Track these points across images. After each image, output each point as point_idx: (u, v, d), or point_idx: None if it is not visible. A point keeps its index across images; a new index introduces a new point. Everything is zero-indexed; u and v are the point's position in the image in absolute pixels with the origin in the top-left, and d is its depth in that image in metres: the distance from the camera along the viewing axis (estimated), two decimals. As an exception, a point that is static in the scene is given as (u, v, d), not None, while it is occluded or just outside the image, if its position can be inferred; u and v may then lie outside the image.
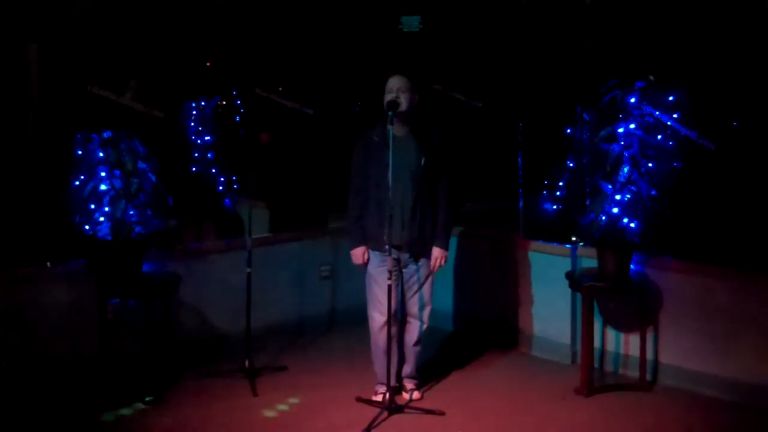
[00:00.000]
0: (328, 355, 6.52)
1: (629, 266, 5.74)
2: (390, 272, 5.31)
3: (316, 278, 7.11)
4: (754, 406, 5.51)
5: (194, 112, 7.52)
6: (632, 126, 5.51)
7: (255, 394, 5.73)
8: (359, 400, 5.59)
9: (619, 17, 6.53)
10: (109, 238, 5.52)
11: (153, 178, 5.66)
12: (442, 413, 5.42)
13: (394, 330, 5.49)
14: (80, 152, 5.57)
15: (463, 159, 6.82)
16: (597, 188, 5.60)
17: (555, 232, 6.33)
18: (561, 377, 6.05)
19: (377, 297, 5.56)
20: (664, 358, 5.95)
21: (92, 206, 5.52)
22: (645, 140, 5.50)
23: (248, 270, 6.00)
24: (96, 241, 5.55)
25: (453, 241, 5.76)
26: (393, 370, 5.44)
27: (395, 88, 5.43)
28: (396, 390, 5.60)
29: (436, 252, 5.55)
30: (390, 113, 5.31)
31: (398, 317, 5.64)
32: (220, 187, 7.66)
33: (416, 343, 5.69)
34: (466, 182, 7.05)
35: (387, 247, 5.35)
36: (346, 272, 6.99)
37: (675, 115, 5.48)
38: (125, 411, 5.46)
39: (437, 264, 5.57)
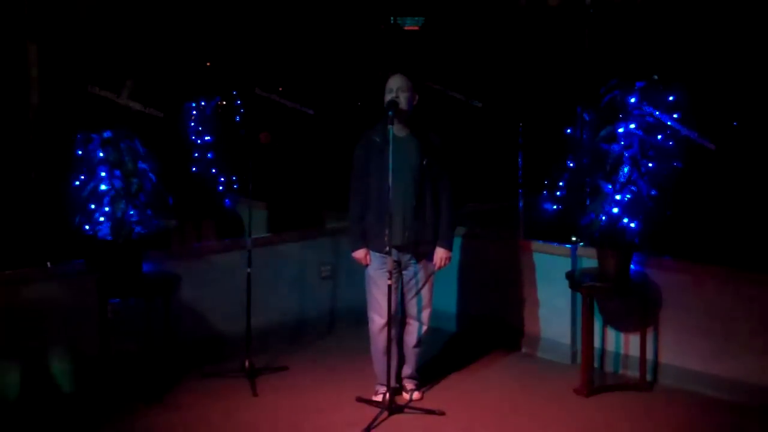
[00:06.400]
0: (328, 355, 6.52)
1: (629, 266, 5.74)
2: (390, 273, 5.31)
3: (316, 278, 7.10)
4: (754, 406, 5.51)
5: (194, 112, 7.52)
6: (632, 126, 5.50)
7: (255, 394, 5.73)
8: (359, 400, 5.59)
9: (619, 17, 6.53)
10: (109, 238, 5.52)
11: (153, 178, 5.66)
12: (442, 413, 5.42)
13: (393, 331, 5.49)
14: (80, 152, 5.57)
15: (463, 159, 6.82)
16: (597, 188, 5.59)
17: (555, 231, 6.33)
18: (561, 377, 6.05)
19: (376, 299, 5.56)
20: (664, 358, 5.95)
21: (92, 206, 5.52)
22: (645, 140, 5.50)
23: (248, 270, 6.00)
24: (96, 241, 5.55)
25: (455, 242, 5.76)
26: (393, 371, 5.44)
27: (395, 87, 5.43)
28: (396, 390, 5.60)
29: (440, 252, 5.55)
30: (390, 113, 5.31)
31: (398, 318, 5.64)
32: (220, 187, 7.66)
33: (416, 345, 5.69)
34: (467, 182, 7.05)
35: (388, 248, 5.35)
36: (346, 272, 6.99)
37: (675, 115, 5.48)
38: (125, 411, 5.47)
39: (441, 264, 5.57)
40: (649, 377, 5.92)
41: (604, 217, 5.53)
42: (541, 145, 6.54)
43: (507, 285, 6.70)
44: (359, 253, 5.59)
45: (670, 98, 5.51)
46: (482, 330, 6.89)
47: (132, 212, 5.54)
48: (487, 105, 7.55)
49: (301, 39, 8.00)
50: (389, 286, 5.32)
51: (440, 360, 6.38)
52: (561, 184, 5.77)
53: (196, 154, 7.53)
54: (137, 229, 5.57)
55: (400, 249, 5.49)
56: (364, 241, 5.57)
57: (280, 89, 7.50)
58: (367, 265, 5.61)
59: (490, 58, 7.80)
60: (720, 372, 5.69)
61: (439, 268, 5.60)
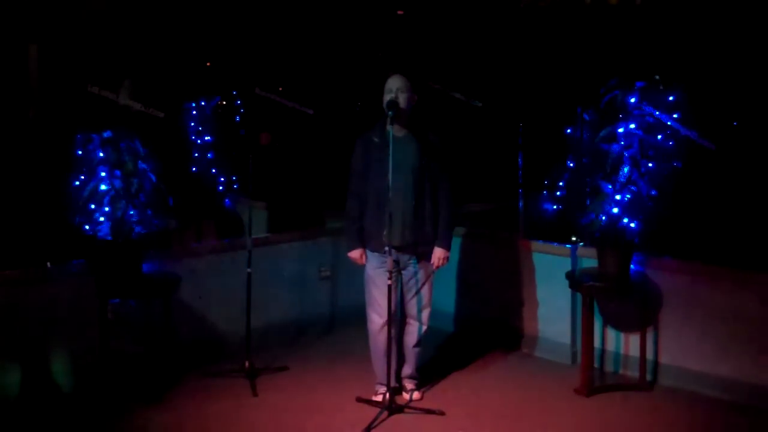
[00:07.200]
0: (328, 355, 6.52)
1: (629, 266, 5.74)
2: (390, 273, 5.31)
3: (316, 278, 7.10)
4: (754, 406, 5.51)
5: (194, 112, 7.53)
6: (632, 126, 5.50)
7: (255, 395, 5.73)
8: (359, 400, 5.59)
9: (619, 17, 6.53)
10: (109, 238, 5.52)
11: (153, 178, 5.66)
12: (442, 413, 5.42)
13: (393, 331, 5.49)
14: (80, 152, 5.57)
15: (463, 159, 6.82)
16: (597, 188, 5.59)
17: (555, 231, 6.33)
18: (561, 377, 6.05)
19: (376, 299, 5.56)
20: (664, 358, 5.95)
21: (92, 206, 5.52)
22: (645, 140, 5.50)
23: (248, 270, 6.00)
24: (96, 241, 5.55)
25: (454, 242, 5.77)
26: (393, 371, 5.44)
27: (394, 88, 5.42)
28: (396, 390, 5.60)
29: (439, 252, 5.55)
30: (390, 113, 5.31)
31: (397, 318, 5.64)
32: (220, 187, 7.66)
33: (416, 345, 5.69)
34: (467, 182, 7.05)
35: (386, 248, 5.35)
36: (346, 272, 6.99)
37: (675, 115, 5.48)
38: (125, 411, 5.47)
39: (438, 264, 5.57)
40: (649, 377, 5.92)
41: (604, 217, 5.53)
42: (541, 145, 6.54)
43: (507, 285, 6.70)
44: (355, 253, 5.59)
45: (670, 98, 5.51)
46: (482, 330, 6.88)
47: (132, 212, 5.54)
48: (487, 105, 7.55)
49: (301, 39, 8.00)
50: (389, 286, 5.32)
51: (440, 360, 6.37)
52: (561, 184, 5.77)
53: (196, 154, 7.54)
54: (137, 229, 5.57)
55: (399, 249, 5.48)
56: (361, 241, 5.56)
57: (280, 89, 7.50)
58: (363, 265, 5.61)
59: (490, 58, 7.81)
60: (720, 372, 5.69)
61: (437, 267, 5.60)
